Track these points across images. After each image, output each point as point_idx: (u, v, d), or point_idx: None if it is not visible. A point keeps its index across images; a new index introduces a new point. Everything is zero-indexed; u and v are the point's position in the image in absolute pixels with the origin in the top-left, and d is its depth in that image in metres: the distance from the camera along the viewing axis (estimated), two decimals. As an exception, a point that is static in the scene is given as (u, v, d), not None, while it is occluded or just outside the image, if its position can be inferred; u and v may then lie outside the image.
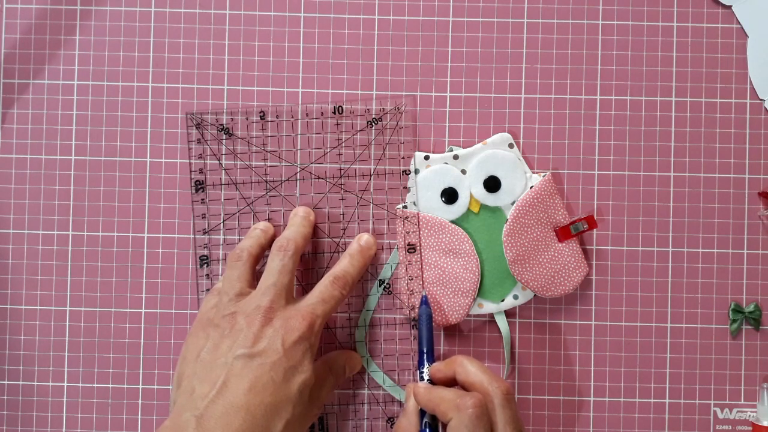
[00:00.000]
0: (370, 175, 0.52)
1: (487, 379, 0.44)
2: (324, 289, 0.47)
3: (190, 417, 0.42)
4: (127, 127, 0.52)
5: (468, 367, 0.45)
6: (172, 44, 0.52)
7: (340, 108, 0.52)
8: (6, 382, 0.52)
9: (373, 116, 0.51)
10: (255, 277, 0.49)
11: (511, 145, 0.51)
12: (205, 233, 0.52)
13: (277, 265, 0.47)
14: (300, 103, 0.52)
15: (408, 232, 0.51)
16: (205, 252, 0.52)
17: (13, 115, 0.52)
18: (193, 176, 0.52)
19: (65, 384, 0.52)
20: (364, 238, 0.51)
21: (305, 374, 0.44)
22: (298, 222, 0.50)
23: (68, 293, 0.52)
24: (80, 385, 0.52)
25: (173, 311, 0.52)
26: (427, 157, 0.51)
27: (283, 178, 0.52)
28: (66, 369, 0.52)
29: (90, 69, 0.52)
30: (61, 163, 0.52)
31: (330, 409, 0.52)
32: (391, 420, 0.52)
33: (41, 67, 0.52)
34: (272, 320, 0.45)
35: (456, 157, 0.51)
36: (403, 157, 0.52)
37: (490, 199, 0.51)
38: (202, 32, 0.52)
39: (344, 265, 0.49)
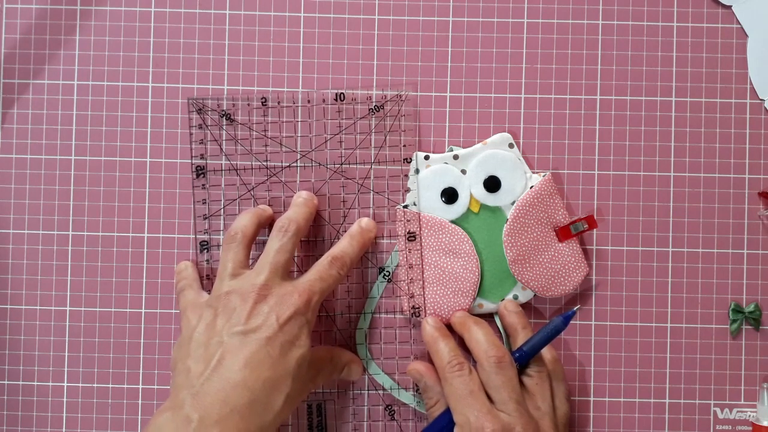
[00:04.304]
0: (371, 162, 0.52)
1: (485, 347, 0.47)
2: (322, 268, 0.47)
3: (187, 395, 0.42)
4: (127, 127, 0.52)
5: (473, 334, 0.48)
6: (172, 44, 0.52)
7: (341, 95, 0.52)
8: (6, 382, 0.52)
9: (374, 104, 0.51)
10: (249, 257, 0.48)
11: (511, 145, 0.51)
12: (205, 219, 0.52)
13: (275, 245, 0.47)
14: (300, 90, 0.52)
15: (408, 220, 0.51)
16: (206, 237, 0.52)
17: (13, 115, 0.52)
18: (194, 161, 0.52)
19: (65, 384, 0.52)
20: (365, 220, 0.51)
21: (303, 348, 0.44)
22: (300, 203, 0.50)
23: (68, 293, 0.52)
24: (80, 385, 0.52)
25: (173, 311, 0.52)
26: (427, 157, 0.51)
27: (283, 164, 0.52)
28: (66, 369, 0.52)
29: (90, 69, 0.52)
30: (61, 163, 0.52)
31: (329, 396, 0.52)
32: (389, 407, 0.52)
33: (41, 67, 0.52)
34: (267, 297, 0.45)
35: (456, 157, 0.51)
36: (404, 145, 0.52)
37: (490, 199, 0.51)
38: (202, 32, 0.52)
39: (343, 245, 0.49)
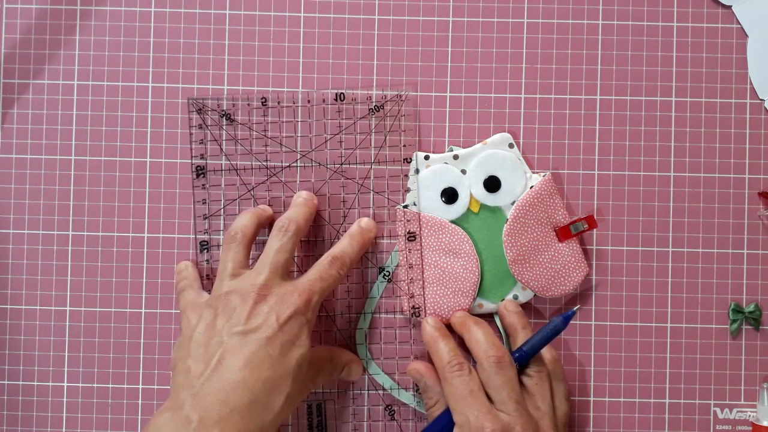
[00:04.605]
0: (371, 162, 0.52)
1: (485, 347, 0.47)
2: (322, 268, 0.47)
3: (187, 395, 0.42)
4: (127, 127, 0.52)
5: (473, 334, 0.48)
6: (172, 44, 0.52)
7: (341, 95, 0.52)
8: (6, 382, 0.52)
9: (374, 104, 0.51)
10: (249, 257, 0.48)
11: (511, 145, 0.51)
12: (205, 219, 0.52)
13: (275, 245, 0.47)
14: (300, 90, 0.52)
15: (408, 220, 0.51)
16: (206, 237, 0.52)
17: (13, 115, 0.52)
18: (194, 161, 0.52)
19: (65, 384, 0.52)
20: (365, 220, 0.51)
21: (303, 348, 0.44)
22: (300, 203, 0.50)
23: (68, 293, 0.52)
24: (80, 385, 0.52)
25: (173, 311, 0.52)
26: (427, 157, 0.51)
27: (283, 164, 0.52)
28: (66, 369, 0.52)
29: (90, 69, 0.52)
30: (61, 163, 0.52)
31: (329, 396, 0.52)
32: (389, 407, 0.52)
33: (41, 67, 0.52)
34: (267, 297, 0.45)
35: (456, 157, 0.51)
36: (404, 145, 0.52)
37: (490, 199, 0.51)
38: (202, 32, 0.52)
39: (343, 245, 0.49)
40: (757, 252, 0.52)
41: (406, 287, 0.51)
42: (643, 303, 0.52)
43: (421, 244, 0.51)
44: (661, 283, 0.52)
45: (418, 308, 0.51)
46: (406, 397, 0.51)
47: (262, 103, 0.52)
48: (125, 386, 0.52)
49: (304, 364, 0.45)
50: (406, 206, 0.51)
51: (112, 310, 0.52)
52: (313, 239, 0.52)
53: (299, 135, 0.52)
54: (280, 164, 0.52)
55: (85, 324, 0.52)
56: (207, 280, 0.51)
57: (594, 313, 0.52)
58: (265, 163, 0.52)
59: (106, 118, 0.52)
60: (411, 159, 0.51)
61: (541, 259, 0.51)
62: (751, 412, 0.52)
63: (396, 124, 0.52)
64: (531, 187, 0.51)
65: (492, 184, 0.51)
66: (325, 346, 0.51)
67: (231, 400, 0.42)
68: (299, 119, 0.52)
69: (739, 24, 0.52)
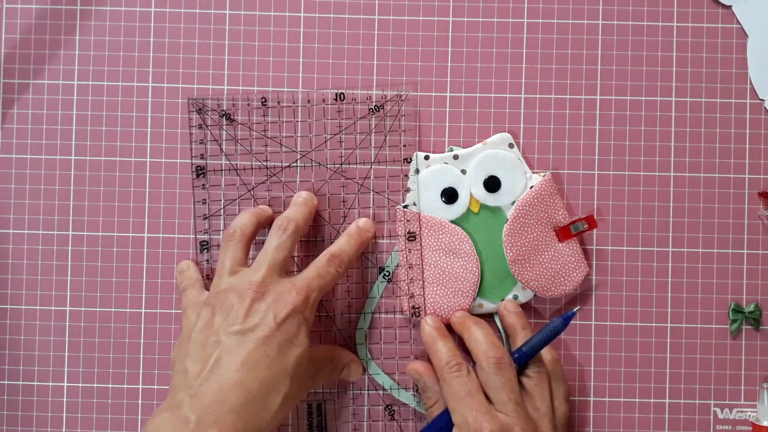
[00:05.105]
0: (371, 162, 0.52)
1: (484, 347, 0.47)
2: (320, 265, 0.47)
3: (185, 396, 0.42)
4: (127, 127, 0.52)
5: (473, 334, 0.48)
6: (172, 44, 0.52)
7: (341, 95, 0.52)
8: (6, 382, 0.52)
9: (374, 104, 0.51)
10: (248, 255, 0.48)
11: (511, 145, 0.51)
12: (205, 219, 0.52)
13: (273, 243, 0.47)
14: (300, 90, 0.52)
15: (408, 220, 0.51)
16: (206, 237, 0.52)
17: (13, 115, 0.52)
18: (194, 161, 0.52)
19: (65, 384, 0.52)
20: (363, 220, 0.51)
21: (301, 347, 0.44)
22: (300, 203, 0.50)
23: (68, 293, 0.52)
24: (80, 385, 0.52)
25: (173, 311, 0.52)
26: (427, 157, 0.51)
27: (283, 164, 0.52)
28: (66, 369, 0.52)
29: (90, 69, 0.52)
30: (61, 163, 0.52)
31: (329, 396, 0.52)
32: (389, 407, 0.52)
33: (41, 67, 0.52)
34: (264, 295, 0.45)
35: (456, 157, 0.51)
36: (404, 145, 0.52)
37: (490, 199, 0.51)
38: (202, 32, 0.52)
39: (341, 243, 0.49)
40: (757, 252, 0.52)
41: (406, 287, 0.51)
42: (643, 303, 0.52)
43: (421, 244, 0.51)
44: (661, 283, 0.52)
45: (418, 308, 0.51)
46: (406, 397, 0.51)
47: (262, 103, 0.52)
48: (125, 386, 0.52)
49: (302, 363, 0.45)
50: (406, 206, 0.51)
51: (112, 310, 0.52)
52: (312, 239, 0.52)
53: (299, 135, 0.52)
54: (280, 164, 0.52)
55: (85, 324, 0.52)
56: (207, 279, 0.51)
57: (594, 313, 0.52)
58: (265, 163, 0.52)
59: (106, 118, 0.52)
60: (411, 159, 0.51)
61: (541, 259, 0.51)
62: (751, 412, 0.52)
63: (396, 124, 0.52)
64: (531, 187, 0.51)
65: (492, 184, 0.51)
66: (325, 345, 0.51)
67: (228, 400, 0.42)
68: (299, 119, 0.52)
69: (739, 24, 0.52)
